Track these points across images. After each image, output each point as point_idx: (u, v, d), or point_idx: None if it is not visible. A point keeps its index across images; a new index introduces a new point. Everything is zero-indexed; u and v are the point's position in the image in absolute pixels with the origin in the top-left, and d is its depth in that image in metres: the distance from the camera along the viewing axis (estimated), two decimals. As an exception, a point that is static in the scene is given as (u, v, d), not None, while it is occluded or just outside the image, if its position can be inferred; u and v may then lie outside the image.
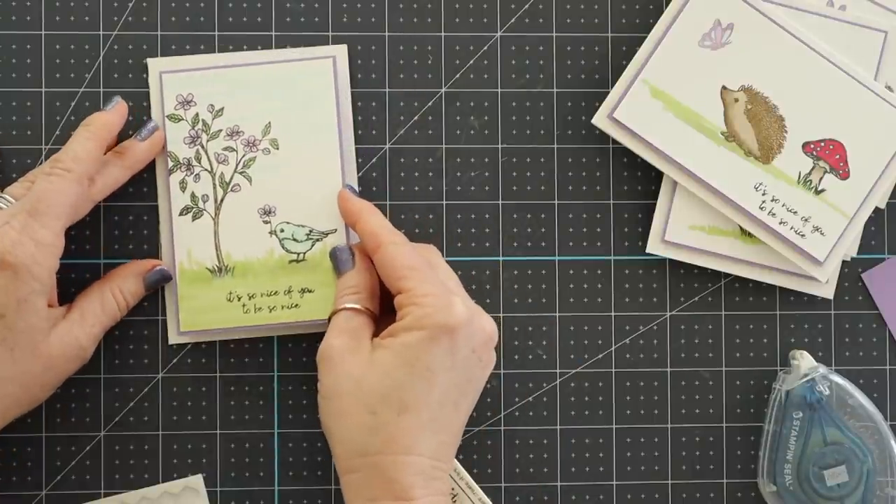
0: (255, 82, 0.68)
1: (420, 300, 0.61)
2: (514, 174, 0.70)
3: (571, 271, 0.70)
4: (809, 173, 0.68)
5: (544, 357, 0.70)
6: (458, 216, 0.70)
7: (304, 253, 0.68)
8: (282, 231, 0.68)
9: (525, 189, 0.70)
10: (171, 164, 0.68)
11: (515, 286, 0.70)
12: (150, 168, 0.69)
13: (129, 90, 0.69)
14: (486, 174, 0.70)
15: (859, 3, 0.69)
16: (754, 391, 0.70)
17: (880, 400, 0.70)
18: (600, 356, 0.70)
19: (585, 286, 0.70)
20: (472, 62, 0.70)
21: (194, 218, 0.68)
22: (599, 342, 0.70)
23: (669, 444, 0.70)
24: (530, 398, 0.70)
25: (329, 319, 0.64)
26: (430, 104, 0.70)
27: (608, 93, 0.69)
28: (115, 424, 0.69)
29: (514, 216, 0.70)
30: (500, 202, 0.70)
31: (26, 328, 0.61)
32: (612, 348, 0.70)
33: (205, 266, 0.67)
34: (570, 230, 0.70)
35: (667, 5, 0.70)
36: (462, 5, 0.70)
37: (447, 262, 0.67)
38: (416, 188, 0.70)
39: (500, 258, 0.70)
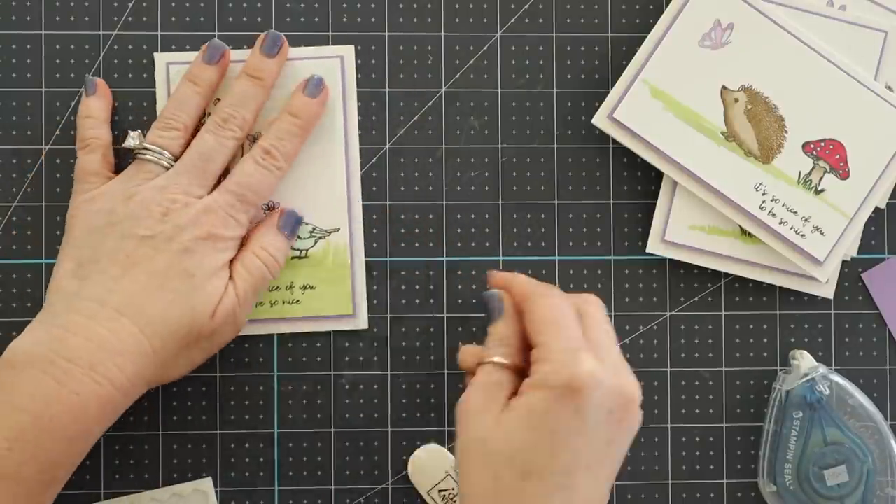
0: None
1: (549, 356, 0.57)
2: (514, 174, 0.70)
3: (571, 271, 0.70)
4: (809, 173, 0.68)
5: (544, 357, 0.70)
6: (458, 216, 0.70)
7: (307, 250, 0.68)
8: None
9: (525, 189, 0.70)
10: None
11: (515, 286, 0.70)
12: (150, 168, 0.69)
13: (129, 90, 0.69)
14: (486, 174, 0.70)
15: (859, 3, 0.69)
16: (754, 391, 0.70)
17: (880, 400, 0.70)
18: (600, 356, 0.70)
19: (585, 286, 0.70)
20: (472, 62, 0.70)
21: None
22: (599, 342, 0.70)
23: (669, 444, 0.70)
24: (530, 398, 0.70)
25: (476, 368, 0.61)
26: (430, 104, 0.70)
27: (608, 93, 0.69)
28: (115, 424, 0.68)
29: (514, 216, 0.70)
30: (500, 202, 0.70)
31: (212, 291, 0.63)
32: (612, 348, 0.70)
33: None
34: (570, 230, 0.70)
35: (667, 5, 0.70)
36: (462, 5, 0.70)
37: (449, 261, 0.67)
38: (416, 188, 0.70)
39: (500, 258, 0.70)
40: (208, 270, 0.62)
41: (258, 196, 0.65)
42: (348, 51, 0.69)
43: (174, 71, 0.68)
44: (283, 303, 0.68)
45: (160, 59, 0.68)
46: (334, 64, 0.68)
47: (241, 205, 0.64)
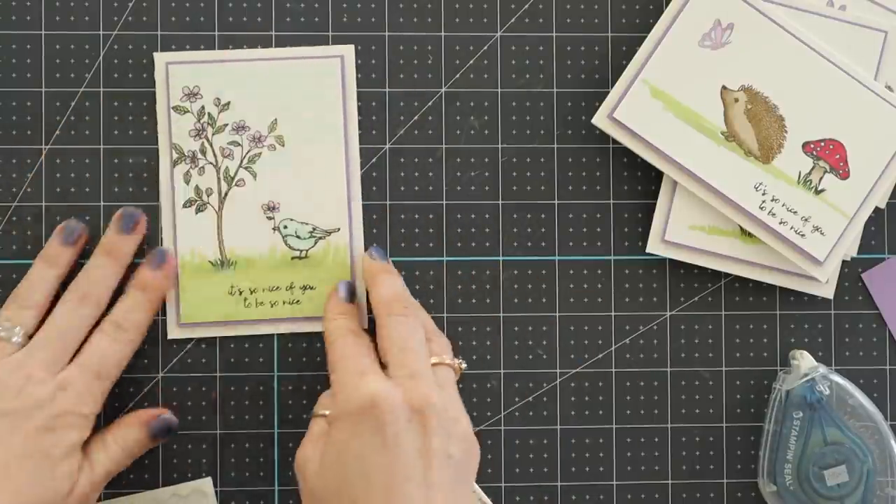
0: (262, 78, 0.68)
1: (337, 388, 0.60)
2: (514, 174, 0.70)
3: (571, 271, 0.70)
4: (809, 173, 0.68)
5: (544, 357, 0.70)
6: (458, 216, 0.70)
7: (307, 250, 0.68)
8: (285, 227, 0.68)
9: (525, 189, 0.70)
10: (175, 156, 0.68)
11: (515, 286, 0.70)
12: (150, 165, 0.69)
13: (129, 90, 0.69)
14: (486, 174, 0.70)
15: (859, 3, 0.69)
16: (754, 391, 0.70)
17: (880, 400, 0.70)
18: (600, 356, 0.70)
19: (585, 286, 0.70)
20: (472, 62, 0.70)
21: (198, 211, 0.68)
22: (599, 342, 0.70)
23: (669, 444, 0.70)
24: (530, 398, 0.70)
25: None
26: (430, 104, 0.70)
27: (608, 93, 0.69)
28: (115, 424, 0.69)
29: (514, 216, 0.70)
30: (500, 202, 0.70)
31: (69, 471, 0.62)
32: (612, 348, 0.70)
33: (207, 259, 0.68)
34: (570, 230, 0.70)
35: (667, 5, 0.70)
36: (462, 5, 0.70)
37: (449, 261, 0.67)
38: (416, 188, 0.70)
39: (500, 258, 0.70)
40: (65, 449, 0.62)
41: (114, 371, 0.64)
42: (348, 50, 0.69)
43: (173, 70, 0.68)
44: (284, 303, 0.68)
45: (160, 58, 0.68)
46: (334, 64, 0.68)
47: (98, 382, 0.63)
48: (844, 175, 0.68)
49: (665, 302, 0.70)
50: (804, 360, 0.68)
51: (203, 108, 0.68)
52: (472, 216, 0.70)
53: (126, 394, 0.68)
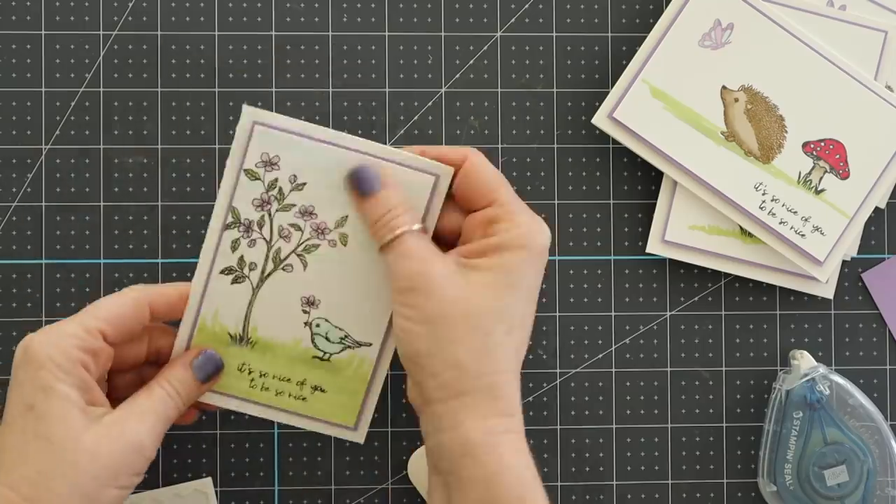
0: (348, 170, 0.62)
1: (516, 219, 0.60)
2: (514, 174, 0.70)
3: (571, 271, 0.70)
4: (809, 173, 0.68)
5: (544, 357, 0.70)
6: (458, 216, 0.70)
7: (332, 354, 0.64)
8: (317, 326, 0.64)
9: (525, 189, 0.70)
10: (230, 219, 0.63)
11: (515, 286, 0.70)
12: (150, 165, 0.69)
13: (129, 90, 0.69)
14: (486, 174, 0.70)
15: (859, 3, 0.69)
16: (754, 391, 0.70)
17: (880, 400, 0.70)
18: (600, 356, 0.70)
19: (585, 286, 0.70)
20: (472, 62, 0.70)
21: (234, 281, 0.63)
22: (599, 342, 0.70)
23: (669, 444, 0.70)
24: (530, 398, 0.70)
25: (381, 251, 0.60)
26: (430, 104, 0.70)
27: (608, 93, 0.69)
28: (115, 424, 0.69)
29: (514, 216, 0.70)
30: (500, 202, 0.70)
31: (60, 418, 0.57)
32: (612, 348, 0.70)
33: (227, 330, 0.63)
34: (570, 230, 0.70)
35: (667, 5, 0.70)
36: (462, 5, 0.70)
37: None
38: (416, 188, 0.70)
39: (500, 258, 0.70)
40: None
41: None
42: (446, 172, 0.62)
43: (259, 133, 0.62)
44: (289, 395, 0.64)
45: (249, 114, 0.62)
46: (427, 181, 0.62)
47: None
48: (844, 175, 0.68)
49: (665, 302, 0.70)
50: (804, 360, 0.68)
51: (276, 180, 0.62)
52: (472, 216, 0.70)
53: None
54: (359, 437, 0.65)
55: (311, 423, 0.65)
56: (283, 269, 0.63)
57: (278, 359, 0.64)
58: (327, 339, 0.64)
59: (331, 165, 0.62)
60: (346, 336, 0.64)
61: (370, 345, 0.64)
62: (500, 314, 0.58)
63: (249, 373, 0.64)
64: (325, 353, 0.64)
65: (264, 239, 0.63)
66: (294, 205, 0.63)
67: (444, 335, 0.58)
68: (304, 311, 0.63)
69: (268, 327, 0.63)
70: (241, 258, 0.63)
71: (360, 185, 0.61)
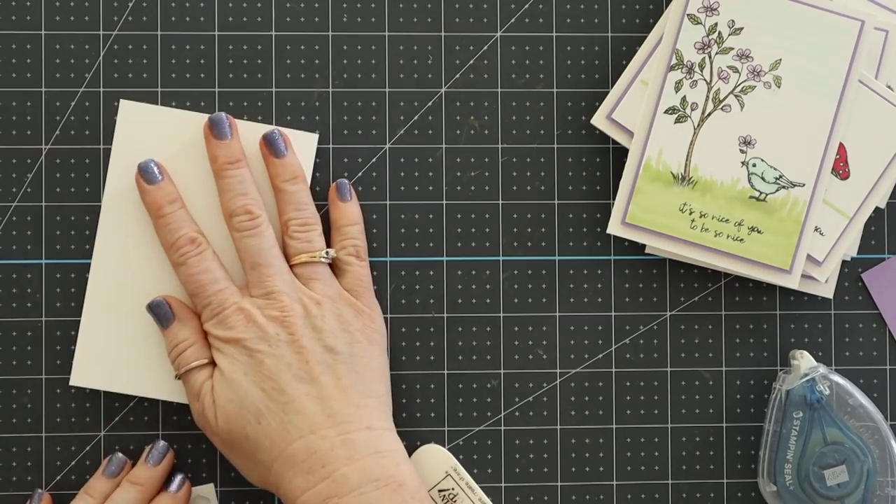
0: (783, 17, 0.67)
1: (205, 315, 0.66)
2: (514, 174, 0.70)
3: (571, 271, 0.70)
4: (809, 173, 0.68)
5: (544, 357, 0.70)
6: (458, 216, 0.70)
7: (767, 195, 0.67)
8: (754, 166, 0.67)
9: (525, 189, 0.70)
10: (674, 61, 0.67)
11: (515, 286, 0.70)
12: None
13: (129, 90, 0.69)
14: (486, 174, 0.70)
15: (860, 3, 0.69)
16: (754, 391, 0.70)
17: (880, 400, 0.70)
18: (600, 356, 0.70)
19: (585, 286, 0.70)
20: (472, 62, 0.70)
21: (677, 121, 0.67)
22: (599, 342, 0.70)
23: (669, 444, 0.70)
24: (530, 398, 0.70)
25: (178, 378, 0.66)
26: (430, 104, 0.70)
27: (608, 93, 0.69)
28: (115, 424, 0.69)
29: (514, 216, 0.70)
30: (500, 202, 0.70)
31: None
32: (612, 348, 0.70)
33: (670, 169, 0.68)
34: (570, 230, 0.70)
35: (667, 5, 0.70)
36: (462, 5, 0.70)
37: (449, 261, 0.67)
38: (416, 188, 0.70)
39: (500, 258, 0.70)
40: None
41: None
42: (871, 18, 0.68)
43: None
44: (728, 237, 0.67)
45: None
46: (853, 25, 0.68)
47: None
48: (844, 175, 0.68)
49: (665, 302, 0.70)
50: (804, 360, 0.68)
51: (716, 25, 0.67)
52: (472, 216, 0.70)
53: (126, 393, 0.68)
54: (792, 281, 0.68)
55: (747, 266, 0.68)
56: (721, 109, 0.67)
57: (717, 199, 0.67)
58: (763, 178, 0.67)
59: (768, 12, 0.67)
60: (780, 176, 0.67)
61: (803, 185, 0.67)
62: (243, 414, 0.63)
63: (690, 213, 0.68)
64: (760, 192, 0.67)
65: (705, 80, 0.67)
66: (732, 48, 0.67)
67: (235, 461, 0.66)
68: (742, 151, 0.67)
69: (707, 167, 0.67)
70: (684, 98, 0.67)
71: (156, 320, 0.66)
